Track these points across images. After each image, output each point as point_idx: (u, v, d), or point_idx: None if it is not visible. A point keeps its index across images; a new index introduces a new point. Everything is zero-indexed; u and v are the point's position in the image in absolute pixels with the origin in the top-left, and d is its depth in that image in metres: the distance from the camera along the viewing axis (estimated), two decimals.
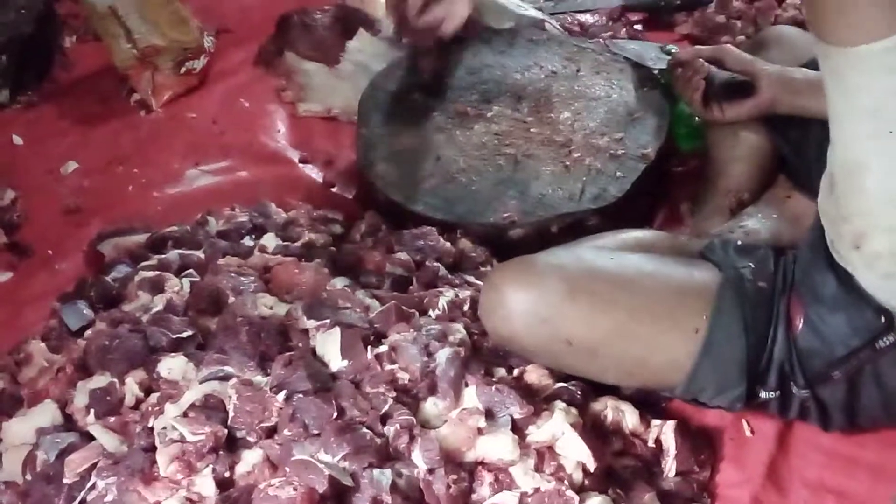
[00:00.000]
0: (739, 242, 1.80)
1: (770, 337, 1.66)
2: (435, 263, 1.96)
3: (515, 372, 1.74)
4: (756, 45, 2.14)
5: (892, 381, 1.61)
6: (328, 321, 1.74)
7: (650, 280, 1.69)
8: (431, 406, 1.65)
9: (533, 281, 1.65)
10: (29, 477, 1.65)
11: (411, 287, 1.92)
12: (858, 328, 1.59)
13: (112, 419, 1.66)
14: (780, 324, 1.66)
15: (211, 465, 1.55)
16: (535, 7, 2.77)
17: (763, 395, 1.69)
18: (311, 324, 1.76)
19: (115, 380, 1.71)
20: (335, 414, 1.58)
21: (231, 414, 1.61)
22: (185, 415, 1.60)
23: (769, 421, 1.78)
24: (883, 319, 1.57)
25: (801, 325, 1.63)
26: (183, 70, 2.69)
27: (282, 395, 1.61)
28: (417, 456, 1.55)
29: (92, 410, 1.68)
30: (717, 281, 1.68)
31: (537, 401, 1.68)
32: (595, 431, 1.69)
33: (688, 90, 2.10)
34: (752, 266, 1.71)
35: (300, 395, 1.61)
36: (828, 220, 1.59)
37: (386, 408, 1.61)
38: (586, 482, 1.61)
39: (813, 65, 1.94)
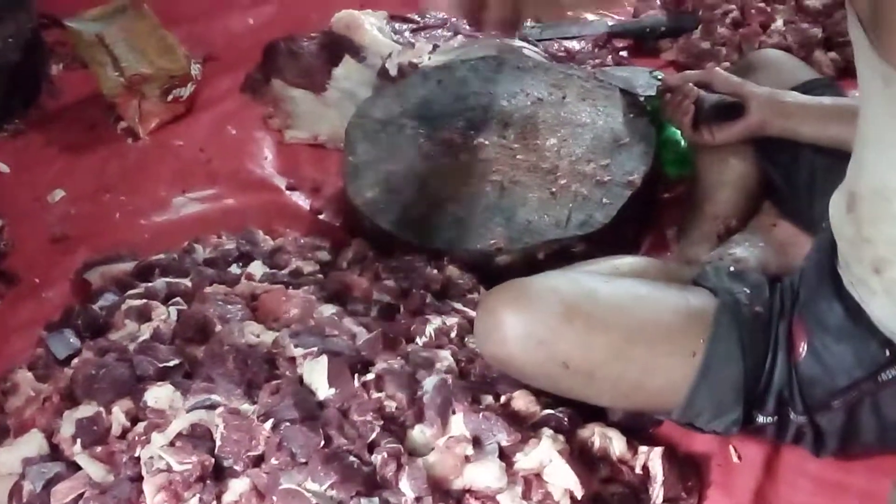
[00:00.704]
0: (732, 269, 1.80)
1: (769, 362, 1.65)
2: (422, 291, 1.96)
3: (502, 399, 1.74)
4: (743, 70, 2.14)
5: (891, 412, 1.61)
6: (315, 349, 1.74)
7: (647, 303, 1.69)
8: (419, 434, 1.65)
9: (528, 303, 1.64)
10: None
11: (398, 314, 1.92)
12: (863, 360, 1.59)
13: (99, 449, 1.66)
14: (781, 349, 1.66)
15: (198, 495, 1.55)
16: (521, 34, 2.80)
17: (760, 419, 1.69)
18: (298, 352, 1.76)
19: (102, 409, 1.71)
20: (322, 442, 1.58)
21: (218, 443, 1.60)
22: (171, 444, 1.60)
23: (756, 447, 1.78)
24: (888, 353, 1.57)
25: (804, 353, 1.63)
26: (170, 98, 2.69)
27: (269, 424, 1.61)
28: (405, 484, 1.55)
29: (78, 440, 1.67)
30: (714, 305, 1.68)
31: (524, 428, 1.68)
32: (582, 458, 1.69)
33: (677, 114, 2.10)
34: (748, 291, 1.71)
35: (287, 424, 1.60)
36: (844, 241, 1.59)
37: (373, 436, 1.61)
38: None
39: (801, 89, 1.96)
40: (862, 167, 1.52)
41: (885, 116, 1.43)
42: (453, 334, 1.85)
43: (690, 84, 2.11)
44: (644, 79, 2.43)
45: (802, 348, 1.63)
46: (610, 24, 2.90)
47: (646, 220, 2.28)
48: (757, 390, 1.66)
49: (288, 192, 2.49)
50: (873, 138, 1.48)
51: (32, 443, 1.70)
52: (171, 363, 1.77)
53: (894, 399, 1.60)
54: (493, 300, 1.69)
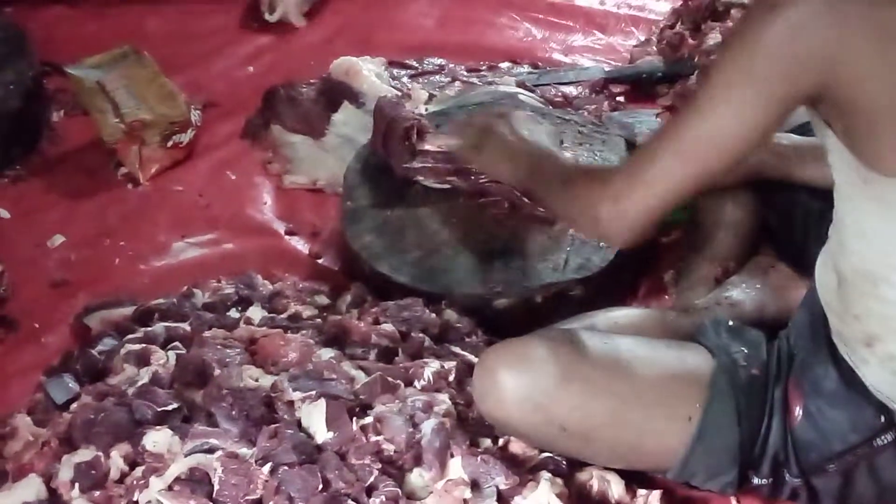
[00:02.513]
0: (731, 323, 1.79)
1: (764, 425, 1.66)
2: (420, 334, 1.96)
3: (501, 442, 1.74)
4: None
5: (887, 476, 1.62)
6: (314, 393, 1.74)
7: (643, 366, 1.69)
8: (417, 477, 1.65)
9: (527, 366, 1.64)
10: None
11: (397, 358, 1.92)
12: (858, 425, 1.60)
13: (97, 493, 1.66)
14: (776, 413, 1.66)
15: None
16: (518, 80, 2.81)
17: (755, 481, 1.69)
18: (296, 395, 1.76)
19: (101, 453, 1.70)
20: (320, 486, 1.58)
21: (216, 487, 1.60)
22: (170, 488, 1.60)
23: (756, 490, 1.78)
24: (882, 419, 1.58)
25: (799, 417, 1.64)
26: (170, 144, 2.70)
27: (267, 468, 1.61)
28: None
29: (77, 484, 1.67)
30: (710, 368, 1.68)
31: (523, 471, 1.68)
32: (581, 501, 1.69)
33: None
34: (745, 351, 1.71)
35: (285, 467, 1.61)
36: (833, 314, 1.60)
37: (371, 479, 1.61)
38: None
39: (798, 131, 1.97)
40: (845, 250, 1.53)
41: (866, 210, 1.45)
42: (451, 378, 1.85)
43: None
44: (649, 123, 2.44)
45: (798, 412, 1.64)
46: (607, 69, 2.93)
47: (643, 264, 2.29)
48: (752, 454, 1.66)
49: (287, 237, 2.50)
50: (854, 228, 1.50)
51: (31, 487, 1.70)
52: (170, 407, 1.77)
53: (891, 463, 1.61)
54: (492, 360, 1.68)
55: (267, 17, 3.17)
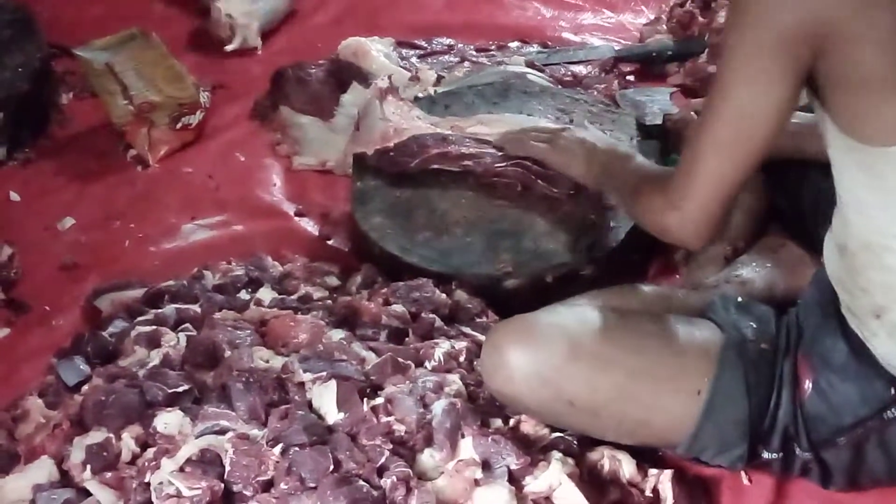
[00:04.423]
0: (740, 299, 1.79)
1: (774, 399, 1.65)
2: (431, 315, 1.96)
3: (511, 422, 1.74)
4: None
5: None
6: (324, 374, 1.75)
7: (652, 341, 1.69)
8: (428, 458, 1.65)
9: (535, 342, 1.65)
10: None
11: (407, 339, 1.92)
12: (868, 398, 1.59)
13: (108, 475, 1.66)
14: (786, 387, 1.66)
15: None
16: (527, 59, 2.80)
17: (765, 455, 1.69)
18: (307, 376, 1.76)
19: (112, 435, 1.71)
20: (331, 467, 1.58)
21: (227, 468, 1.60)
22: (181, 469, 1.60)
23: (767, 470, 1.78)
24: (892, 391, 1.58)
25: (809, 390, 1.63)
26: (179, 125, 2.70)
27: (278, 449, 1.61)
28: None
29: (88, 466, 1.68)
30: (719, 342, 1.68)
31: (534, 451, 1.68)
32: (592, 481, 1.69)
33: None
34: (754, 326, 1.70)
35: (296, 448, 1.61)
36: (841, 288, 1.60)
37: (382, 460, 1.61)
38: None
39: (807, 108, 1.96)
40: (847, 224, 1.54)
41: (859, 181, 1.47)
42: (462, 358, 1.85)
43: (693, 113, 2.10)
44: (662, 101, 2.42)
45: (808, 386, 1.64)
46: (616, 48, 2.91)
47: (653, 244, 2.27)
48: (762, 427, 1.66)
49: (296, 218, 2.50)
50: (853, 201, 1.51)
51: (43, 469, 1.71)
52: (181, 389, 1.77)
53: None
54: (500, 337, 1.69)
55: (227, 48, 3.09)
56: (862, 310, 1.57)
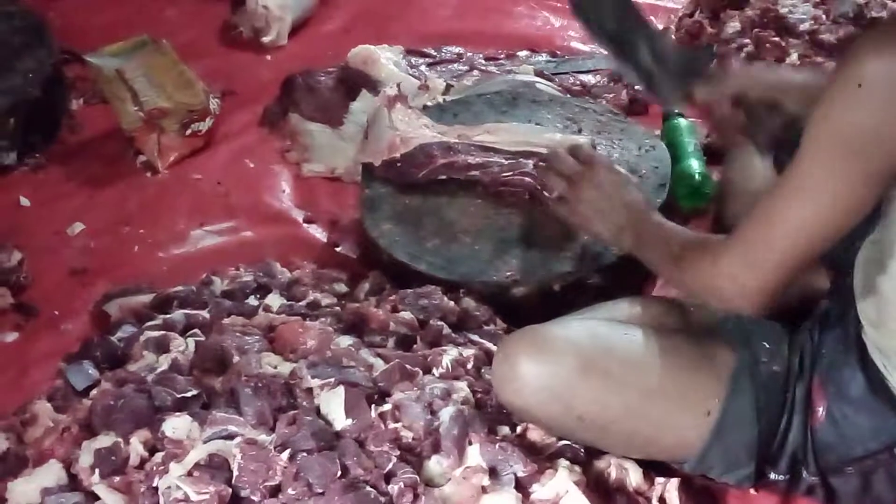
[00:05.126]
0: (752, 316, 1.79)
1: (784, 423, 1.65)
2: (439, 322, 1.96)
3: (519, 429, 1.74)
4: None
5: None
6: (332, 380, 1.75)
7: (663, 360, 1.68)
8: (435, 464, 1.65)
9: (547, 356, 1.64)
10: None
11: (415, 346, 1.93)
12: (880, 433, 1.59)
13: (117, 479, 1.67)
14: (798, 411, 1.65)
15: None
16: (536, 68, 2.81)
17: (772, 476, 1.69)
18: (315, 382, 1.76)
19: (120, 439, 1.72)
20: (339, 472, 1.59)
21: (235, 473, 1.61)
22: (189, 474, 1.61)
23: None
24: None
25: (822, 418, 1.63)
26: (189, 132, 2.71)
27: (286, 454, 1.62)
28: None
29: (97, 470, 1.68)
30: (731, 363, 1.68)
31: (541, 458, 1.68)
32: (599, 489, 1.69)
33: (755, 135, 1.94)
34: (767, 346, 1.70)
35: (304, 454, 1.61)
36: (869, 323, 1.58)
37: (390, 466, 1.61)
38: None
39: None
40: (886, 270, 1.51)
41: None
42: (470, 365, 1.85)
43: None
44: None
45: (821, 413, 1.63)
46: None
47: None
48: (770, 450, 1.66)
49: (305, 225, 2.51)
50: None
51: (51, 473, 1.72)
52: (189, 394, 1.78)
53: None
54: (512, 347, 1.68)
55: (262, 39, 3.15)
56: (888, 348, 1.56)
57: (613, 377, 1.65)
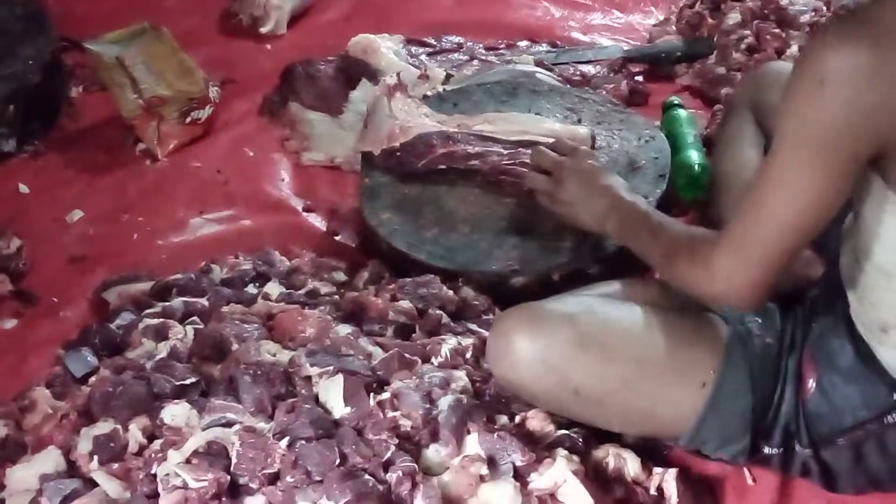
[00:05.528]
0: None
1: (777, 395, 1.66)
2: (437, 311, 1.96)
3: (517, 419, 1.74)
4: (753, 85, 2.14)
5: None
6: (331, 368, 1.75)
7: (659, 333, 1.69)
8: (433, 453, 1.66)
9: (542, 329, 1.65)
10: None
11: (414, 335, 1.93)
12: (870, 402, 1.60)
13: (115, 466, 1.68)
14: (789, 383, 1.66)
15: None
16: (536, 58, 2.81)
17: (766, 450, 1.70)
18: (314, 371, 1.76)
19: (119, 426, 1.72)
20: (338, 460, 1.59)
21: (234, 460, 1.61)
22: (188, 461, 1.61)
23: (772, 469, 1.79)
24: (894, 397, 1.58)
25: (812, 389, 1.64)
26: (188, 120, 2.71)
27: (284, 442, 1.62)
28: (419, 503, 1.55)
29: (95, 457, 1.69)
30: (725, 336, 1.69)
31: (539, 448, 1.69)
32: (597, 479, 1.69)
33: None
34: (759, 321, 1.71)
35: (303, 442, 1.61)
36: (853, 296, 1.60)
37: (388, 454, 1.61)
38: None
39: None
40: (863, 247, 1.53)
41: (890, 225, 1.47)
42: (468, 355, 1.85)
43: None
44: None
45: (811, 385, 1.64)
46: (625, 48, 2.92)
47: None
48: (764, 422, 1.67)
49: (304, 214, 2.50)
50: (875, 235, 1.50)
51: (50, 460, 1.72)
52: (188, 381, 1.78)
53: None
54: (507, 323, 1.69)
55: (261, 30, 3.17)
56: (869, 321, 1.58)
57: (609, 349, 1.66)
